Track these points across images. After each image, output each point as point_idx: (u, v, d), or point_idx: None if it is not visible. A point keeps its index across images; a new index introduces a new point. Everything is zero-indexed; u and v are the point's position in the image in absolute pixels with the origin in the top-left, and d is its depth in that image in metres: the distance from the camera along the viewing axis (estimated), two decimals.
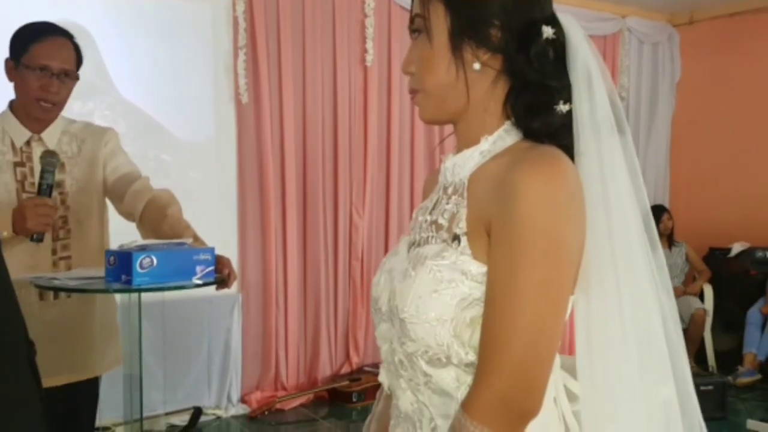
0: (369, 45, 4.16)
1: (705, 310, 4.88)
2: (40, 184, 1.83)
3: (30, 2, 3.24)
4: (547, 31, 0.91)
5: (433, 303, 0.87)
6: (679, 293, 4.83)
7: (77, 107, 2.99)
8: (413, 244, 0.98)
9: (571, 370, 0.93)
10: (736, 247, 5.07)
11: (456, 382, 0.89)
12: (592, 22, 5.07)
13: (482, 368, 0.85)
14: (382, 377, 1.02)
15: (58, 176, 1.90)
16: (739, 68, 5.25)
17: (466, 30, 0.91)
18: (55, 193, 1.87)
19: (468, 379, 0.88)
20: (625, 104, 5.41)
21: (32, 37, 1.88)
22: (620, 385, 0.89)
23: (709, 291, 5.02)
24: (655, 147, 5.61)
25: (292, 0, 3.95)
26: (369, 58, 4.17)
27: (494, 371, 0.83)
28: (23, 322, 0.69)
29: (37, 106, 1.89)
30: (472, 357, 0.87)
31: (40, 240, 1.80)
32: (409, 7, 0.99)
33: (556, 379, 0.91)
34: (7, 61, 1.91)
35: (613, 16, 5.26)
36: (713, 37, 5.42)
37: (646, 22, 5.45)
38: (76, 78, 1.94)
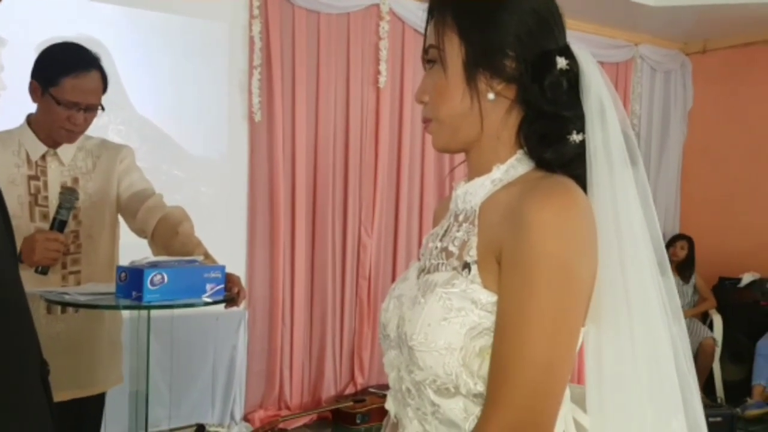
0: (382, 67, 4.18)
1: (714, 339, 4.84)
2: (54, 218, 1.83)
3: (51, 16, 3.29)
4: (561, 62, 0.91)
5: (443, 331, 0.86)
6: (685, 315, 4.79)
7: None
8: (423, 271, 0.98)
9: (579, 401, 0.92)
10: (747, 277, 5.03)
11: (464, 412, 0.88)
12: (605, 49, 5.08)
13: (491, 399, 0.84)
14: (389, 405, 1.01)
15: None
16: (752, 98, 5.24)
17: (481, 60, 0.92)
18: (67, 230, 1.86)
19: (476, 410, 0.87)
20: (637, 131, 5.40)
21: (63, 69, 1.85)
22: (630, 418, 0.87)
23: (718, 321, 4.97)
24: (665, 175, 5.59)
25: (308, 21, 3.99)
26: (382, 79, 4.19)
27: (503, 403, 0.82)
28: (37, 341, 0.69)
29: (62, 132, 1.90)
30: (480, 387, 0.86)
31: (44, 273, 1.80)
32: (423, 31, 1.00)
33: (566, 412, 0.90)
34: (32, 83, 1.90)
35: (626, 44, 5.27)
36: (726, 66, 5.41)
37: (659, 50, 5.46)
38: (101, 108, 1.95)
